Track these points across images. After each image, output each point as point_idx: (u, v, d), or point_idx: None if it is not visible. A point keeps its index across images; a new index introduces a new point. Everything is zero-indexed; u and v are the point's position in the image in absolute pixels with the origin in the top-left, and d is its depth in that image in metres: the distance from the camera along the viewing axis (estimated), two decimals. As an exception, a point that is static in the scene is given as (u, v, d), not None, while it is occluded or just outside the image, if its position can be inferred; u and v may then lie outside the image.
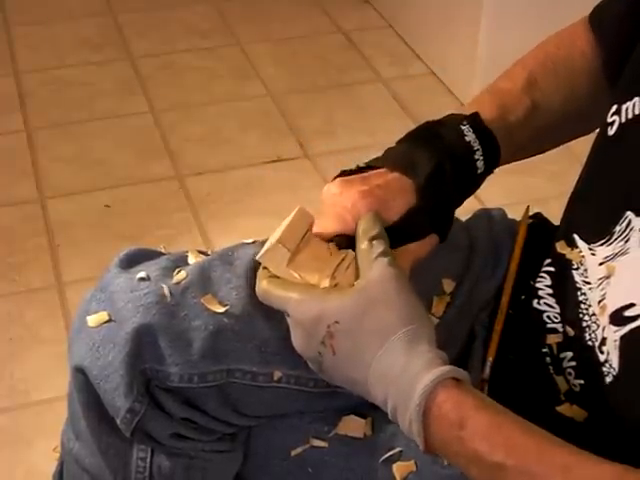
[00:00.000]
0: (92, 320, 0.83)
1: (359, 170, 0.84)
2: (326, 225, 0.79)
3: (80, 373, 0.83)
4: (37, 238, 1.93)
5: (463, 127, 0.84)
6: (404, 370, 0.70)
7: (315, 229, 0.79)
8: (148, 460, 0.84)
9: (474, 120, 0.85)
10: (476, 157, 0.84)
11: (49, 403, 1.57)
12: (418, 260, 0.82)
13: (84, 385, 0.82)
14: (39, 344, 1.68)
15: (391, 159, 0.84)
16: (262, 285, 0.77)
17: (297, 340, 0.75)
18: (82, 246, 1.90)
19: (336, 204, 0.80)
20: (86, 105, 2.35)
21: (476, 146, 0.84)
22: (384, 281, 0.73)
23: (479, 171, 0.85)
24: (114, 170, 2.13)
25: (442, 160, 0.82)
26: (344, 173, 0.84)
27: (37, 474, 1.46)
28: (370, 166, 0.84)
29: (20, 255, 1.89)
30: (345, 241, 0.79)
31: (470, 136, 0.84)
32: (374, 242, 0.75)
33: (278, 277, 0.76)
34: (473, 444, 0.67)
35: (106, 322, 0.82)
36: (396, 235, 0.79)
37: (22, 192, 2.06)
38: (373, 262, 0.74)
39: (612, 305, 0.80)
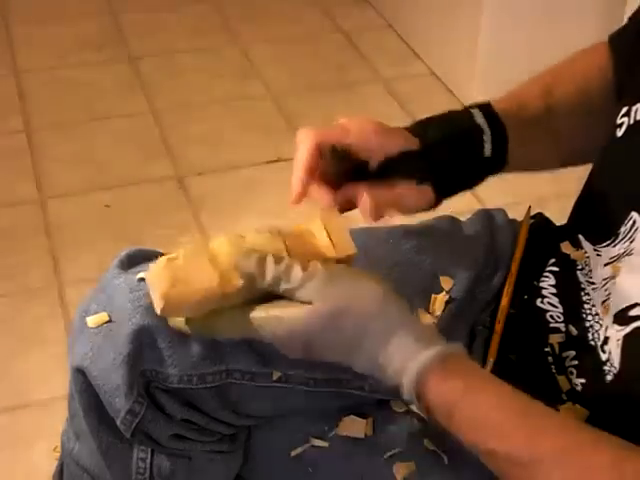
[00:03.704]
0: (92, 321, 0.82)
1: None
2: (327, 129, 0.79)
3: (80, 374, 0.82)
4: (37, 238, 1.93)
5: (473, 111, 0.86)
6: (386, 369, 0.70)
7: (311, 130, 0.78)
8: (148, 461, 0.84)
9: (485, 107, 0.87)
10: (484, 139, 0.85)
11: (49, 403, 1.57)
12: (398, 201, 0.82)
13: (84, 386, 0.82)
14: (39, 344, 1.68)
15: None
16: (217, 329, 0.74)
17: (283, 352, 0.74)
18: (82, 246, 1.90)
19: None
20: (86, 105, 2.36)
21: (485, 129, 0.85)
22: (329, 293, 0.70)
23: (486, 154, 0.86)
24: (114, 170, 2.13)
25: (451, 133, 0.84)
26: None
27: (37, 474, 1.46)
28: None
29: (20, 255, 1.88)
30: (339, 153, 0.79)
31: (479, 119, 0.86)
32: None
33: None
34: (464, 432, 0.68)
35: (106, 323, 0.82)
36: (392, 172, 0.81)
37: (22, 192, 2.06)
38: (303, 288, 0.71)
39: (616, 305, 0.80)
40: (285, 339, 0.72)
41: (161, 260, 0.72)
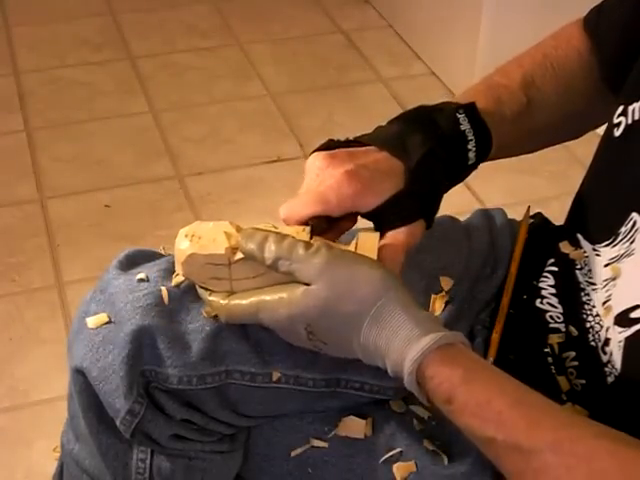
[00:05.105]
0: (92, 321, 0.82)
1: (347, 143, 0.82)
2: (306, 204, 0.77)
3: (80, 374, 0.82)
4: (37, 238, 1.93)
5: (459, 115, 0.83)
6: (387, 352, 0.70)
7: (293, 208, 0.78)
8: (148, 461, 0.84)
9: (471, 110, 0.84)
10: (469, 147, 0.83)
11: (49, 403, 1.57)
12: (410, 248, 0.79)
13: (84, 386, 0.82)
14: (39, 344, 1.68)
15: (381, 138, 0.82)
16: (223, 313, 0.76)
17: (287, 339, 0.76)
18: (82, 246, 1.90)
19: (320, 182, 0.78)
20: (86, 105, 2.36)
21: (470, 136, 0.83)
22: (328, 275, 0.71)
23: (470, 162, 0.84)
24: (114, 170, 2.13)
25: (435, 146, 0.80)
26: (331, 142, 0.82)
27: (37, 474, 1.46)
28: (359, 141, 0.82)
29: (20, 255, 1.89)
30: (323, 224, 0.77)
31: (465, 125, 0.83)
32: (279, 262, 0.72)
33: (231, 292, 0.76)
34: (463, 419, 0.68)
35: (106, 323, 0.82)
36: (384, 219, 0.78)
37: (22, 192, 2.06)
38: (306, 264, 0.71)
39: (618, 307, 0.80)
40: (284, 323, 0.72)
41: (196, 222, 0.81)
